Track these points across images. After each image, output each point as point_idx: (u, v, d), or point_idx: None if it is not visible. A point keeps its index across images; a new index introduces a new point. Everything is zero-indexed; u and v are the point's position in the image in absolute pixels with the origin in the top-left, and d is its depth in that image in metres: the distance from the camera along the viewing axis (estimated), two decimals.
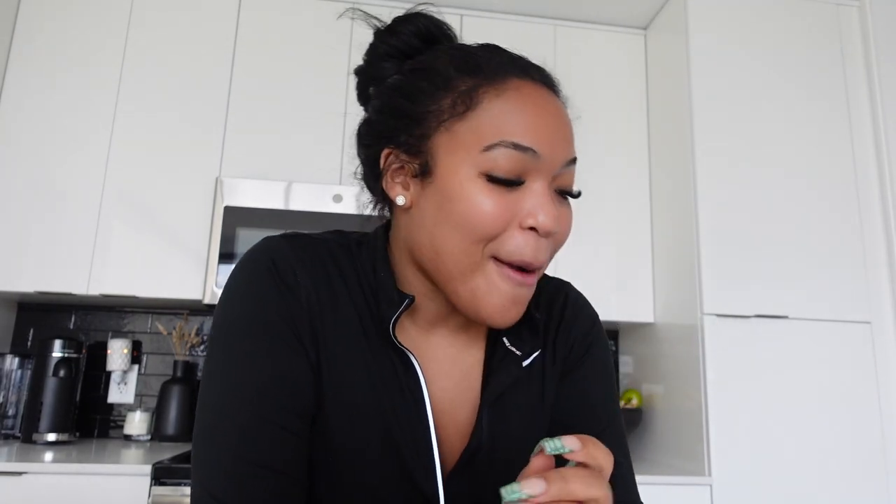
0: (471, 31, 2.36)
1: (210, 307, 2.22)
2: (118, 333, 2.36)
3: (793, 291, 2.02)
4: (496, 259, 0.57)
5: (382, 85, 0.63)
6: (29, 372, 2.11)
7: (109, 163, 2.12)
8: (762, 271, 2.02)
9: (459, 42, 0.65)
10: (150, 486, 1.63)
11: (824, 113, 2.18)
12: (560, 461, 0.47)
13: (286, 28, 2.29)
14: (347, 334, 0.61)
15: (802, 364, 1.96)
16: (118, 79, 2.19)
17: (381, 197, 0.65)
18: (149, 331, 2.38)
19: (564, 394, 0.69)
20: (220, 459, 0.55)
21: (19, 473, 1.63)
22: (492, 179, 0.55)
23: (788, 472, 1.87)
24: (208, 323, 2.40)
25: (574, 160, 0.59)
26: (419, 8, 0.65)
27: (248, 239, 2.07)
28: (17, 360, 2.15)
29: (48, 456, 1.76)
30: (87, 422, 2.27)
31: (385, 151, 0.61)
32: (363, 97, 0.67)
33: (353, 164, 0.68)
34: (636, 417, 2.26)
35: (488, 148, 0.55)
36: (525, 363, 0.66)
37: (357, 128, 0.66)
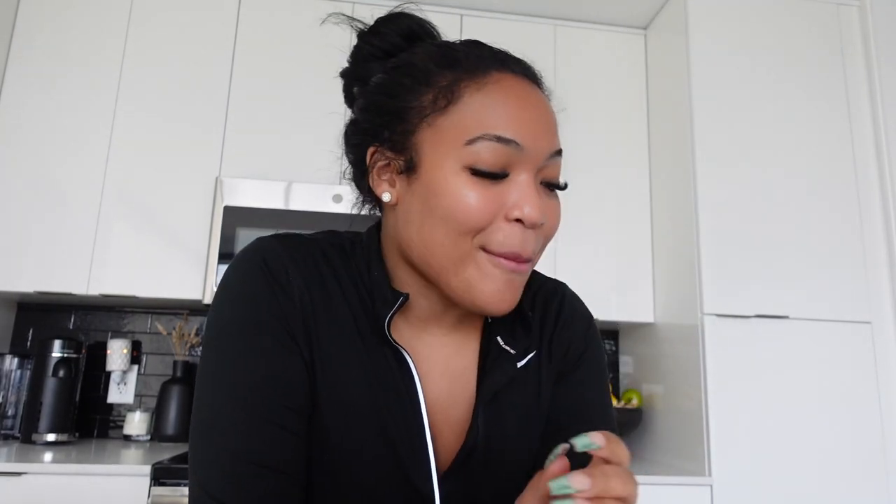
0: (471, 31, 2.36)
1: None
2: (118, 333, 2.35)
3: (793, 291, 2.02)
4: (485, 250, 0.57)
5: (366, 85, 0.64)
6: (28, 372, 2.11)
7: (109, 163, 2.12)
8: (762, 271, 2.02)
9: (442, 39, 0.66)
10: (150, 486, 1.63)
11: (824, 113, 2.18)
12: (573, 461, 0.48)
13: (286, 28, 2.30)
14: (341, 333, 0.61)
15: (803, 364, 1.96)
16: (118, 79, 2.19)
17: (369, 195, 0.65)
18: (148, 331, 2.38)
19: (561, 395, 0.69)
20: (218, 459, 0.55)
21: (19, 474, 1.63)
22: (476, 173, 0.55)
23: (789, 472, 1.87)
24: None
25: (559, 152, 0.59)
26: (401, 7, 0.66)
27: (247, 239, 2.06)
28: (16, 360, 2.15)
29: (48, 456, 1.76)
30: (87, 422, 2.26)
31: (370, 149, 0.62)
32: (349, 98, 0.68)
33: None
34: (636, 417, 2.26)
35: (471, 141, 0.55)
36: (520, 364, 0.66)
37: (344, 128, 0.66)
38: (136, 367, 2.33)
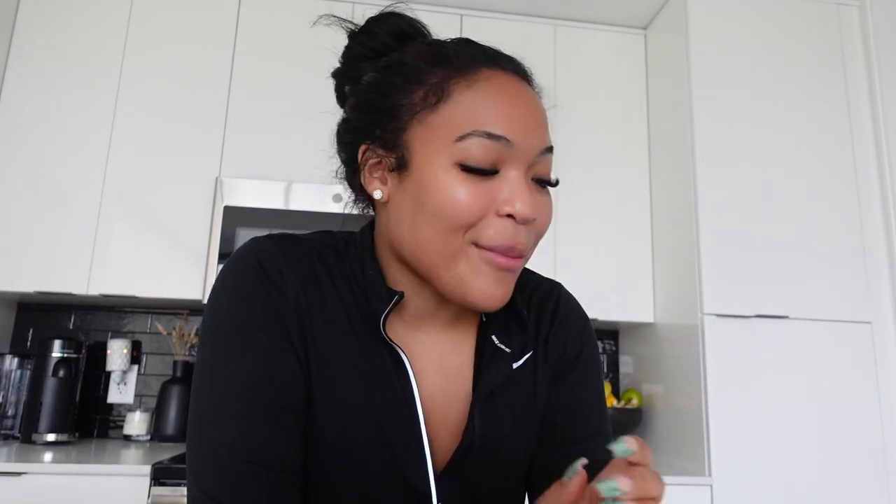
0: (471, 31, 2.36)
1: None
2: (118, 333, 2.35)
3: (793, 291, 2.02)
4: (477, 245, 0.57)
5: (358, 84, 0.64)
6: (28, 372, 2.11)
7: (109, 163, 2.12)
8: (762, 271, 2.02)
9: (433, 38, 0.66)
10: (150, 486, 1.63)
11: (824, 113, 2.18)
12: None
13: (286, 28, 2.30)
14: (336, 333, 0.61)
15: (803, 364, 1.96)
16: (118, 79, 2.19)
17: (361, 193, 0.65)
18: (148, 331, 2.38)
19: (557, 395, 0.69)
20: (214, 452, 0.55)
21: (19, 474, 1.63)
22: (466, 169, 0.56)
23: (789, 472, 1.87)
24: None
25: (550, 149, 0.60)
26: (392, 7, 0.66)
27: (247, 239, 2.06)
28: (16, 360, 2.15)
29: (47, 456, 1.76)
30: (87, 422, 2.26)
31: (362, 147, 0.62)
32: (341, 98, 0.68)
33: None
34: (636, 417, 2.26)
35: (461, 138, 0.56)
36: (516, 365, 0.66)
37: (336, 127, 0.67)
38: (136, 367, 2.33)
